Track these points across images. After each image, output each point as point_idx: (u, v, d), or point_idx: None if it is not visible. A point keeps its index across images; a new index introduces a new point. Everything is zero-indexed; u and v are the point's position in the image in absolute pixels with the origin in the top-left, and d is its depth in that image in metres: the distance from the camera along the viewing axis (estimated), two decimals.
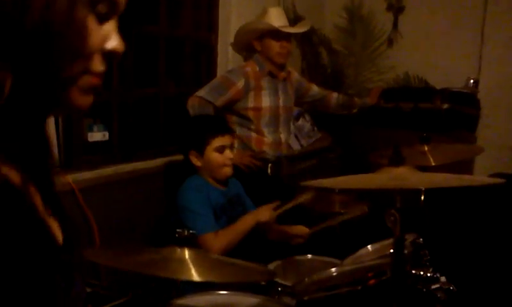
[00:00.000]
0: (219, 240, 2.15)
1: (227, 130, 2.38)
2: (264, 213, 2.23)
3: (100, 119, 2.78)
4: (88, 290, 1.44)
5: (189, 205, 2.24)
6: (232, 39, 3.25)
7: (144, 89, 3.00)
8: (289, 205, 2.25)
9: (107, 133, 2.74)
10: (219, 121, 2.50)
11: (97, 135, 2.70)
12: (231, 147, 2.37)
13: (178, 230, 1.33)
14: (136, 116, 2.88)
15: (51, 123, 2.44)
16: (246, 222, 2.23)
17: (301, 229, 2.36)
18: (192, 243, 1.34)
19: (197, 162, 2.31)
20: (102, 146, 2.72)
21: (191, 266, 1.29)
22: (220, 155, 2.29)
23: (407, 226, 1.37)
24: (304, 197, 2.20)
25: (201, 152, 2.29)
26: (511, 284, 2.61)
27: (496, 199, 3.02)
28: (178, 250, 1.33)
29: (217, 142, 2.28)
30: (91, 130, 2.70)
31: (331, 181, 1.40)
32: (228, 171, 2.34)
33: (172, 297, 1.48)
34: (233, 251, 2.15)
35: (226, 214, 2.34)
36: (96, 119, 2.77)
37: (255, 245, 2.33)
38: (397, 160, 1.37)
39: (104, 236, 2.46)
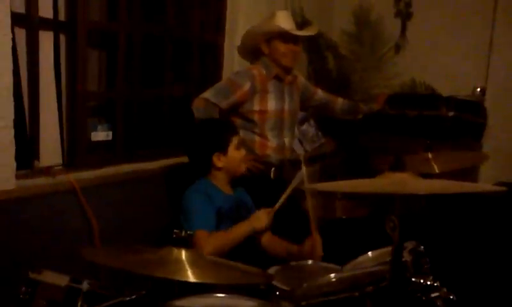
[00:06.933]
0: (210, 241, 2.11)
1: (237, 130, 2.51)
2: (260, 221, 2.20)
3: (105, 119, 2.79)
4: (85, 288, 1.43)
5: (191, 205, 2.26)
6: (238, 41, 3.24)
7: (149, 89, 3.00)
8: (282, 199, 2.20)
9: (110, 133, 2.74)
10: (230, 121, 2.63)
11: (101, 135, 2.71)
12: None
13: (175, 230, 1.33)
14: (140, 116, 2.88)
15: (55, 121, 2.45)
16: (239, 230, 2.20)
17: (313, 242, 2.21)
18: (190, 244, 1.33)
19: (219, 163, 2.35)
20: (105, 145, 2.73)
21: (188, 267, 1.29)
22: (239, 151, 2.40)
23: (408, 233, 1.35)
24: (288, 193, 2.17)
25: (225, 152, 2.36)
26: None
27: (500, 208, 2.99)
28: (175, 250, 1.33)
29: (236, 140, 2.39)
30: (95, 129, 2.70)
31: (332, 184, 1.40)
32: (244, 167, 2.44)
33: (169, 299, 1.48)
34: (233, 254, 2.11)
35: (231, 218, 2.31)
36: (100, 119, 2.78)
37: (255, 249, 2.32)
38: (398, 167, 1.36)
39: (106, 236, 2.47)
